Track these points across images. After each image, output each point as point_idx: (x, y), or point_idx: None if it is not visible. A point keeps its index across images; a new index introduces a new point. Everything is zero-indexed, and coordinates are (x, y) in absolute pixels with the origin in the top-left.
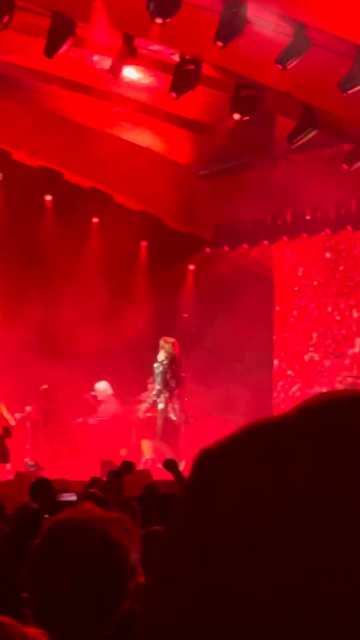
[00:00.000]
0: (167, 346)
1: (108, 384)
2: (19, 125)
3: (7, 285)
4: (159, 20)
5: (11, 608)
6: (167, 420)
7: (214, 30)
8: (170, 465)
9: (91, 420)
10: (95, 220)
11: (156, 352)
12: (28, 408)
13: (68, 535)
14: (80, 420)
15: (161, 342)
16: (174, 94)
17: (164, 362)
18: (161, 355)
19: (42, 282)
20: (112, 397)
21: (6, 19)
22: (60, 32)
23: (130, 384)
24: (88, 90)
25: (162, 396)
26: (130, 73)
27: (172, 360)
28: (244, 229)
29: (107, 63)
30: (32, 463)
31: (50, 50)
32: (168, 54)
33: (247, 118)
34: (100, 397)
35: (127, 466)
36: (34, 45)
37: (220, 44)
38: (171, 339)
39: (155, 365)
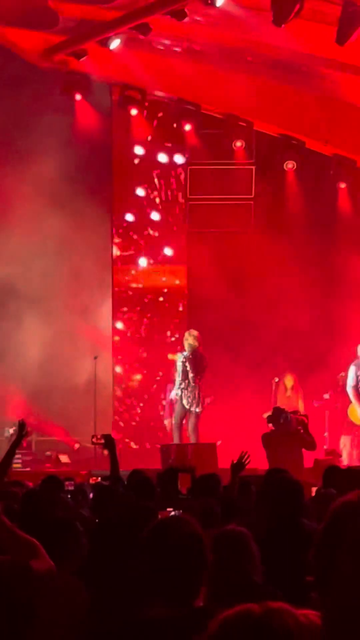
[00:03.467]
0: (191, 339)
1: None
2: (312, 114)
3: (300, 271)
4: None
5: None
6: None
7: None
8: None
9: None
10: None
11: None
12: (326, 395)
13: (350, 517)
14: None
15: (186, 334)
16: None
17: (186, 354)
18: (187, 347)
19: (338, 269)
20: None
21: (297, 7)
22: (351, 19)
23: None
24: None
25: (182, 386)
26: None
27: (194, 352)
28: None
29: None
30: (330, 450)
31: (342, 37)
32: None
33: None
34: None
35: None
36: (325, 34)
37: None
38: (195, 332)
39: (179, 356)
